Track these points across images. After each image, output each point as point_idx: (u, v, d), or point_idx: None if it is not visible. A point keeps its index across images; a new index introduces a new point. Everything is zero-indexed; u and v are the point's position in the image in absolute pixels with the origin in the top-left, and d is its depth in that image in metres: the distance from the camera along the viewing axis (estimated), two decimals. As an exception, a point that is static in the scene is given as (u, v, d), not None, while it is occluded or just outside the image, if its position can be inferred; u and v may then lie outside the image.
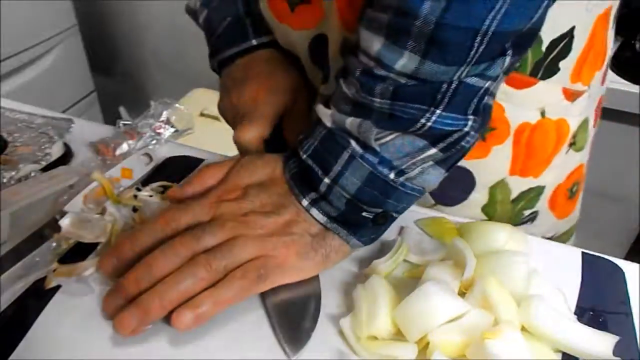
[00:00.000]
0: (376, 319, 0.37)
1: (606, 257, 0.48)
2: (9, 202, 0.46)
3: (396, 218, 0.41)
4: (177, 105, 0.63)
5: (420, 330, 0.36)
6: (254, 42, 0.53)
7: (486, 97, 0.37)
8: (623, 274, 0.46)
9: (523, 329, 0.38)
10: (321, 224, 0.40)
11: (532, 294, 0.39)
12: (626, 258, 0.48)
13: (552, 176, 0.53)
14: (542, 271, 0.42)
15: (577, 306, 0.42)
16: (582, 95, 0.49)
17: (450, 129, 0.36)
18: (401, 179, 0.37)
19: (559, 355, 0.38)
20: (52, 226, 0.47)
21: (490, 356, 0.33)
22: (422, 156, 0.37)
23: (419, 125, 0.35)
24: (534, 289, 0.40)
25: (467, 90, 0.34)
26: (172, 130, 0.61)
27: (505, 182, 0.51)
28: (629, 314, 0.42)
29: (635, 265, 0.47)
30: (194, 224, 0.39)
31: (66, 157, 0.58)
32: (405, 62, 0.33)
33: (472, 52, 0.32)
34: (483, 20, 0.30)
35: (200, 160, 0.58)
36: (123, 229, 0.47)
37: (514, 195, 0.52)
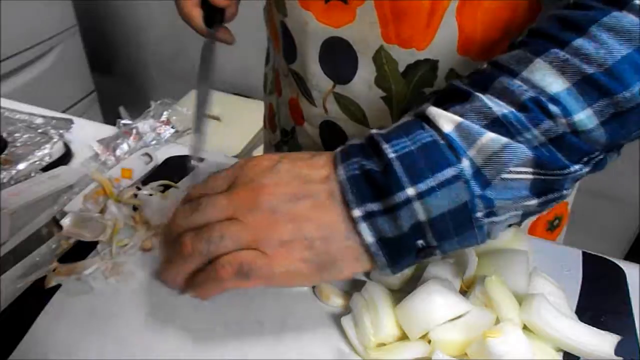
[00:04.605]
0: (382, 328, 0.37)
1: (606, 257, 0.48)
2: (9, 202, 0.46)
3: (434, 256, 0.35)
4: (177, 105, 0.63)
5: (422, 328, 0.36)
6: None
7: None
8: (623, 274, 0.46)
9: (525, 327, 0.38)
10: (363, 244, 0.33)
11: (534, 292, 0.39)
12: (626, 258, 0.48)
13: None
14: (543, 271, 0.42)
15: (578, 306, 0.42)
16: None
17: (570, 188, 0.33)
18: (486, 220, 0.32)
19: (560, 354, 0.38)
20: (52, 226, 0.47)
21: (491, 355, 0.33)
22: (520, 204, 0.33)
23: (559, 173, 0.32)
24: (536, 287, 0.40)
25: (605, 160, 0.34)
26: (172, 130, 0.61)
27: None
28: (629, 314, 0.42)
29: (635, 265, 0.47)
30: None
31: (66, 157, 0.58)
32: (583, 118, 0.31)
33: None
34: None
35: (200, 160, 0.58)
36: (123, 228, 0.47)
37: None
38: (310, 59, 0.50)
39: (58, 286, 0.42)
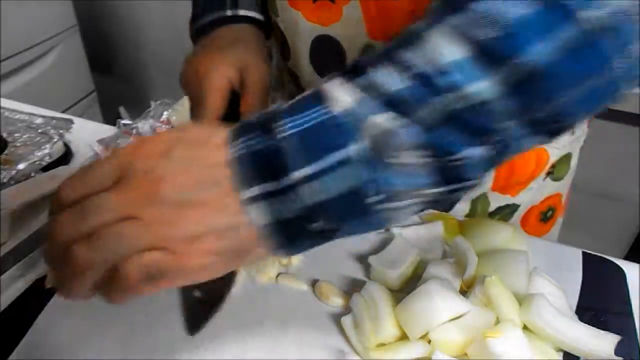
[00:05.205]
0: (382, 328, 0.37)
1: (606, 257, 0.48)
2: (9, 202, 0.46)
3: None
4: (177, 105, 0.64)
5: (422, 328, 0.36)
6: (229, 12, 0.52)
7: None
8: (623, 274, 0.46)
9: (524, 327, 0.38)
10: (258, 226, 0.30)
11: (534, 292, 0.39)
12: (626, 258, 0.48)
13: (528, 197, 0.57)
14: (543, 271, 0.42)
15: (578, 306, 0.42)
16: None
17: (477, 177, 0.30)
18: (382, 206, 0.30)
19: (560, 354, 0.38)
20: (52, 226, 0.47)
21: (491, 355, 0.33)
22: (421, 192, 0.30)
23: (453, 158, 0.29)
24: (536, 287, 0.40)
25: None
26: (172, 130, 0.61)
27: (486, 196, 0.56)
28: (629, 314, 0.42)
29: (635, 265, 0.47)
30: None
31: (66, 157, 0.58)
32: (481, 88, 0.27)
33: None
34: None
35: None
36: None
37: (491, 208, 0.57)
38: (302, 57, 0.52)
39: (58, 286, 0.42)
